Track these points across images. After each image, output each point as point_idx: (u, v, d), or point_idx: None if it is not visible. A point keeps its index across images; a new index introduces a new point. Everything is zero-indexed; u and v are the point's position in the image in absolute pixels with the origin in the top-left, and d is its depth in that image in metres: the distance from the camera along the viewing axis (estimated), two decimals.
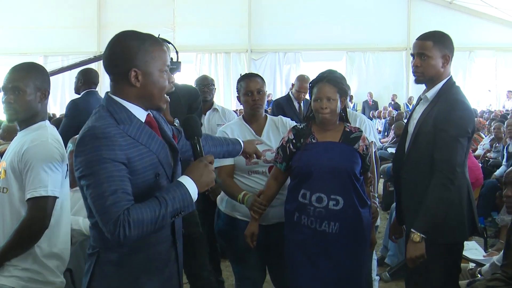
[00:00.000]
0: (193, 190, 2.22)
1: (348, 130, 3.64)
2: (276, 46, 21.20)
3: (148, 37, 2.31)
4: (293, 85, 7.27)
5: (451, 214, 3.35)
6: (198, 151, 2.40)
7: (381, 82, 20.16)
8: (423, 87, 3.67)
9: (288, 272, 3.62)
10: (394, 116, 15.07)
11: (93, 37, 20.82)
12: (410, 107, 19.31)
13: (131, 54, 2.24)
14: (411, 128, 3.61)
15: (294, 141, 3.61)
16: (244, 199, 3.65)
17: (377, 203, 4.27)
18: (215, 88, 6.09)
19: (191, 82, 5.93)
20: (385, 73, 20.84)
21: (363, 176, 3.65)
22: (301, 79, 7.02)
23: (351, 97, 15.36)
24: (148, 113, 2.36)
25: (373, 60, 21.01)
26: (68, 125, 5.66)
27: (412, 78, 15.26)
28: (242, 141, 3.35)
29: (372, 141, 4.48)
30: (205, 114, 5.74)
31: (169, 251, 2.49)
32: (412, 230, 3.32)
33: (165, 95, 2.33)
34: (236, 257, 4.03)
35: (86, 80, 6.16)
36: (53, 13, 20.10)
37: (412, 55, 3.58)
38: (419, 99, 3.72)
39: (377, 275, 5.18)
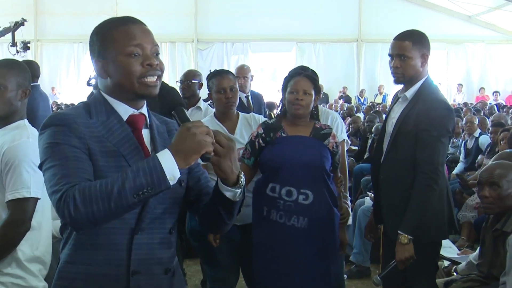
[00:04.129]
0: (168, 163, 1.80)
1: (318, 126, 3.74)
2: (223, 36, 21.09)
3: (112, 20, 2.12)
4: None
5: (432, 213, 3.49)
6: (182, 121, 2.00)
7: (332, 74, 20.31)
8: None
9: (257, 267, 3.70)
10: (345, 109, 15.26)
11: (30, 24, 20.27)
12: (362, 100, 19.62)
13: (94, 43, 2.08)
14: (389, 128, 3.71)
15: (263, 135, 3.68)
16: None
17: (349, 203, 4.39)
18: (199, 83, 5.66)
19: None
20: (336, 65, 20.96)
21: (333, 174, 3.74)
22: (238, 67, 6.71)
23: (326, 95, 15.40)
24: (134, 113, 2.10)
25: (323, 52, 21.13)
26: None
27: (363, 70, 15.54)
28: None
29: (343, 140, 4.59)
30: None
31: None
32: (399, 232, 3.44)
33: (144, 79, 2.01)
34: (209, 258, 4.06)
35: None
36: None
37: (390, 55, 3.66)
38: (397, 98, 3.82)
39: (344, 273, 5.32)
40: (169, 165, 1.80)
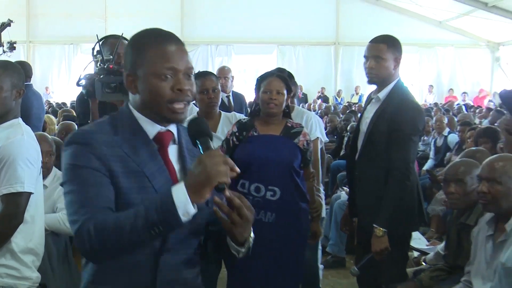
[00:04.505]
0: (181, 198, 1.66)
1: (289, 125, 3.76)
2: (208, 38, 21.06)
3: (149, 34, 1.94)
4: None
5: (404, 207, 3.53)
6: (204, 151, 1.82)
7: (311, 75, 20.39)
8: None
9: (226, 262, 3.72)
10: (323, 109, 15.32)
11: (23, 26, 20.17)
12: (339, 100, 19.71)
13: (127, 56, 1.94)
14: (363, 127, 3.75)
15: (237, 134, 3.72)
16: None
17: (322, 196, 4.42)
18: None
19: None
20: (315, 67, 21.03)
21: (303, 170, 3.77)
22: (219, 68, 6.66)
23: (305, 95, 15.37)
24: (162, 130, 1.94)
25: (303, 54, 21.18)
26: None
27: (340, 71, 15.56)
28: None
29: (317, 137, 4.62)
30: None
31: None
32: (374, 225, 3.48)
33: (173, 105, 1.86)
34: None
35: None
36: None
37: (366, 57, 3.69)
38: (370, 98, 3.85)
39: (321, 263, 5.36)
40: (182, 201, 1.66)
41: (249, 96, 7.62)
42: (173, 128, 1.98)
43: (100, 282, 1.90)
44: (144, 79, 1.87)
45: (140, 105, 1.91)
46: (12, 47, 11.31)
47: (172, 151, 1.98)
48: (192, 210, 1.68)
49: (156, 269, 1.87)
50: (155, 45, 1.87)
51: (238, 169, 1.73)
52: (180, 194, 1.67)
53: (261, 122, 3.74)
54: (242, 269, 3.62)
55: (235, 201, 1.78)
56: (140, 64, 1.87)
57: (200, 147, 1.83)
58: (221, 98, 6.19)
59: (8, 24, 11.10)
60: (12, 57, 12.22)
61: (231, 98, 6.46)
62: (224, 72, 6.46)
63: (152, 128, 1.92)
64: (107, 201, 1.78)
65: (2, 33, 11.23)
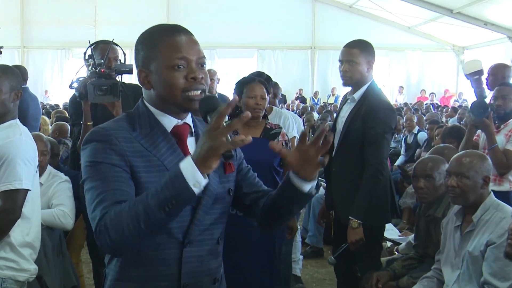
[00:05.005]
0: (189, 170, 1.54)
1: (268, 127, 3.77)
2: None
3: (158, 29, 1.84)
4: None
5: (378, 200, 3.56)
6: None
7: (289, 77, 20.37)
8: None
9: None
10: (301, 109, 15.36)
11: (17, 32, 20.01)
12: (316, 100, 19.75)
13: (138, 52, 1.83)
14: (339, 126, 3.77)
15: None
16: None
17: None
18: None
19: None
20: (293, 70, 21.06)
21: (283, 169, 3.77)
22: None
23: (284, 96, 15.37)
24: (179, 123, 1.85)
25: (281, 58, 21.16)
26: None
27: (316, 74, 15.62)
28: None
29: (294, 136, 4.64)
30: None
31: None
32: (350, 217, 3.50)
33: (188, 93, 1.76)
34: None
35: None
36: None
37: (340, 61, 3.71)
38: (345, 99, 3.88)
39: (301, 254, 5.38)
40: (190, 171, 1.54)
41: (232, 97, 7.64)
42: (189, 120, 1.89)
43: (125, 278, 1.82)
44: (158, 73, 1.77)
45: (156, 99, 1.82)
46: None
47: (190, 144, 1.87)
48: (202, 179, 1.55)
49: (180, 262, 1.79)
50: (166, 38, 1.78)
51: (244, 137, 1.61)
52: (187, 165, 1.54)
53: (241, 125, 3.72)
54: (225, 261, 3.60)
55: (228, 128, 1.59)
56: (152, 58, 1.78)
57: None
58: None
59: None
60: (8, 61, 12.12)
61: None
62: (210, 75, 6.40)
63: (168, 122, 1.83)
64: (126, 195, 1.67)
65: None
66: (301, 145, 1.74)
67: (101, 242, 1.63)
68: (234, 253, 3.44)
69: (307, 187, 1.77)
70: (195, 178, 1.54)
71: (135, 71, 1.94)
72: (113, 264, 1.85)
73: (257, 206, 1.98)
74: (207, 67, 1.81)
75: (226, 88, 16.21)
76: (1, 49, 11.16)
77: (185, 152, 1.80)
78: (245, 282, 3.58)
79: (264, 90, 3.71)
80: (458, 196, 3.11)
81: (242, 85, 3.77)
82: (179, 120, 1.84)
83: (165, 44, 1.76)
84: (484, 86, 4.15)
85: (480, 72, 4.06)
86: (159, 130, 1.81)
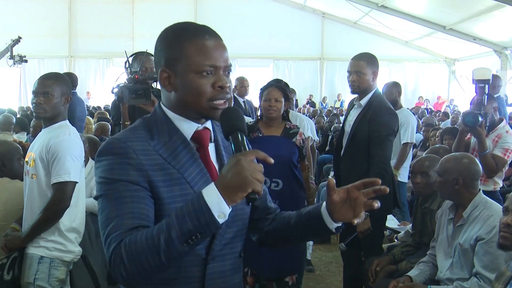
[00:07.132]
0: (214, 200, 1.30)
1: (288, 127, 3.76)
2: None
3: (185, 27, 1.52)
4: (235, 86, 6.61)
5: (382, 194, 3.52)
6: (238, 149, 1.41)
7: (301, 84, 20.26)
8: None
9: None
10: (311, 112, 15.30)
11: (65, 44, 20.20)
12: (324, 105, 19.68)
13: (160, 50, 1.52)
14: (347, 128, 3.75)
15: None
16: None
17: (314, 183, 4.42)
18: None
19: None
20: (304, 78, 20.97)
21: (300, 164, 3.76)
22: (240, 78, 6.69)
23: (296, 101, 15.37)
24: (199, 128, 1.55)
25: (294, 67, 21.10)
26: None
27: (325, 82, 15.53)
28: None
29: (309, 136, 4.61)
30: None
31: None
32: None
33: (214, 102, 1.48)
34: None
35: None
36: (32, 22, 19.15)
37: (349, 72, 3.68)
38: (352, 105, 3.85)
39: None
40: (216, 202, 1.29)
41: (254, 102, 7.68)
42: (208, 124, 1.58)
43: None
44: (183, 76, 1.47)
45: (176, 103, 1.52)
46: (22, 60, 11.35)
47: (211, 150, 1.59)
48: (227, 209, 1.31)
49: (203, 279, 1.51)
50: (195, 39, 1.47)
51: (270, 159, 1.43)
52: (212, 195, 1.30)
53: (264, 125, 3.74)
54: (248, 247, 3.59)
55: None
56: (177, 60, 1.47)
57: (232, 145, 1.42)
58: (239, 102, 6.26)
59: (18, 40, 11.11)
60: (57, 68, 12.23)
61: (246, 103, 6.63)
62: (243, 82, 6.61)
63: (188, 127, 1.53)
64: (143, 218, 1.40)
65: (13, 48, 11.28)
66: (353, 189, 1.52)
67: (115, 273, 1.36)
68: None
69: (335, 225, 1.56)
70: (221, 209, 1.31)
71: None
72: None
73: (264, 221, 1.74)
74: (231, 75, 1.56)
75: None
76: (24, 58, 11.27)
77: (207, 161, 1.55)
78: (280, 262, 3.59)
79: (280, 93, 3.69)
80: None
81: (262, 91, 3.77)
82: (199, 125, 1.55)
83: (193, 46, 1.47)
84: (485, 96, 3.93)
85: (486, 81, 3.87)
86: (179, 138, 1.52)
